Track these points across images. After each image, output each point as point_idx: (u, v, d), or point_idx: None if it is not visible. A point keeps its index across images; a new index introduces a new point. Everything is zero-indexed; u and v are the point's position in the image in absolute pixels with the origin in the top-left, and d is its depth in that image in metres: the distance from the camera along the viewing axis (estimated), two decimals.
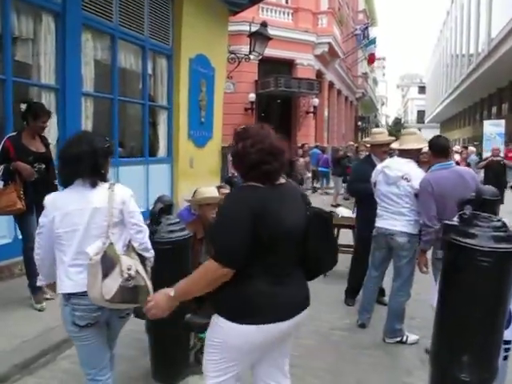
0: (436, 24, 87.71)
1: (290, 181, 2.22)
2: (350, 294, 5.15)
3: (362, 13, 36.91)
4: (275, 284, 2.00)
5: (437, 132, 67.51)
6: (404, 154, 4.21)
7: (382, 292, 5.10)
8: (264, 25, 11.81)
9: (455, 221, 2.58)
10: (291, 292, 2.05)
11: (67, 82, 5.88)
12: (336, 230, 6.30)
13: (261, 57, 12.44)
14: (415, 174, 4.00)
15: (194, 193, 3.89)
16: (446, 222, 2.63)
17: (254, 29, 12.07)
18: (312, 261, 2.17)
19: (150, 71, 8.06)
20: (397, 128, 60.26)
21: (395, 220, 4.10)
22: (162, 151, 8.53)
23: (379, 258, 4.36)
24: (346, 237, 6.60)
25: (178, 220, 3.27)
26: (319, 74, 21.55)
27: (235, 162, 2.08)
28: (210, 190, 3.84)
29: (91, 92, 6.55)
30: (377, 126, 60.48)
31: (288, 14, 19.35)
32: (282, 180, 2.10)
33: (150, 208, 3.37)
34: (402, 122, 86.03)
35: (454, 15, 48.46)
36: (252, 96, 17.62)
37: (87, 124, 6.37)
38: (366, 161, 5.06)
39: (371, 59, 30.03)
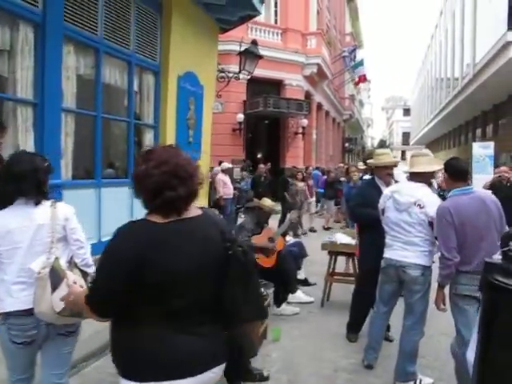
0: (421, 48, 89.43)
1: (208, 212, 1.98)
2: (353, 329, 4.72)
3: (349, 35, 37.27)
4: (177, 333, 1.73)
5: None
6: (415, 177, 3.85)
7: (386, 327, 4.70)
8: (254, 43, 11.56)
9: (497, 258, 2.18)
10: (196, 344, 1.75)
11: (46, 97, 5.43)
12: (333, 257, 5.90)
13: (251, 76, 12.17)
14: (429, 199, 3.64)
15: None
16: (487, 259, 2.23)
17: (243, 48, 11.80)
18: (227, 310, 1.83)
19: (136, 88, 7.66)
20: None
21: (407, 251, 3.71)
22: None
23: (388, 292, 3.96)
24: (343, 264, 6.21)
25: None
26: (308, 95, 21.44)
27: (136, 187, 1.83)
28: None
29: (72, 108, 6.11)
30: (363, 148, 60.87)
31: (277, 35, 19.25)
32: (196, 212, 1.86)
33: None
34: (387, 143, 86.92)
35: (438, 39, 49.28)
36: (240, 116, 17.35)
37: (67, 141, 5.92)
38: (369, 184, 4.70)
39: (360, 80, 30.10)
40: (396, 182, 4.80)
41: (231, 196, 11.97)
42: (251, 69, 11.46)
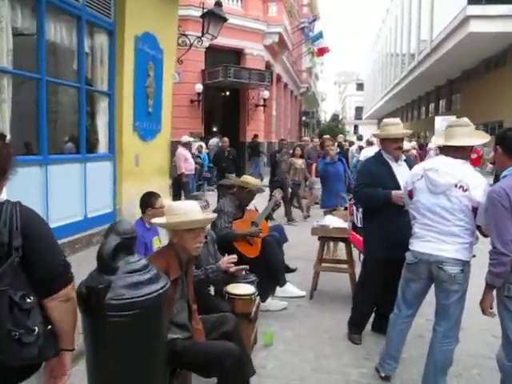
0: (374, 22, 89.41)
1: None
2: (356, 328, 4.08)
3: (307, 6, 36.33)
4: None
5: (374, 128, 68.98)
6: (452, 152, 3.10)
7: None
8: (219, 4, 10.54)
9: None
10: None
11: None
12: (324, 243, 5.23)
13: (211, 42, 11.15)
14: (475, 180, 2.96)
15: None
16: None
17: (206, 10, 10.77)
18: None
19: (87, 48, 6.59)
20: (334, 124, 60.73)
21: (444, 243, 3.04)
22: (102, 146, 7.08)
23: (415, 293, 3.29)
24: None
25: (143, 262, 2.02)
26: (268, 66, 20.54)
27: None
28: (189, 205, 2.61)
29: (8, 68, 5.04)
30: (318, 122, 60.67)
31: (237, 0, 18.13)
32: None
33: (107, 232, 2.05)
34: (340, 118, 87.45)
35: (393, 14, 49.20)
36: (199, 87, 16.31)
37: (3, 110, 4.86)
38: (376, 159, 4.00)
39: (321, 52, 29.35)
40: (406, 158, 4.14)
41: (193, 172, 11.10)
42: (215, 32, 10.46)
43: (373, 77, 69.56)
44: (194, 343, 2.56)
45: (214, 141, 15.97)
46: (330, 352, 3.84)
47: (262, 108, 19.04)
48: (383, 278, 3.88)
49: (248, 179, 4.69)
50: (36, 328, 1.59)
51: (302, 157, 10.77)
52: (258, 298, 3.75)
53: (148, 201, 4.22)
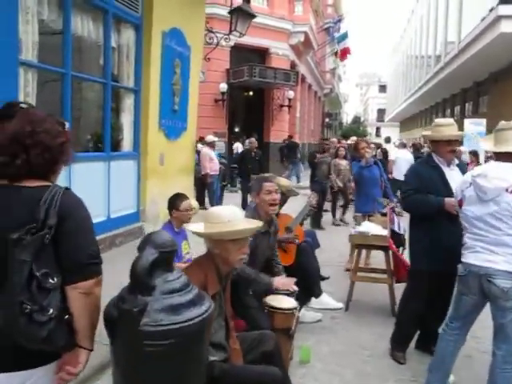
0: (397, 23, 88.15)
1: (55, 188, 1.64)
2: (399, 346, 3.73)
3: (331, 7, 35.91)
4: None
5: (397, 131, 68.05)
6: (504, 158, 2.88)
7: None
8: (247, 0, 10.26)
9: None
10: None
11: None
12: (359, 250, 4.90)
13: (239, 39, 10.83)
14: None
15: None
16: None
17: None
18: None
19: (113, 43, 6.39)
20: (356, 126, 59.99)
21: (494, 254, 2.78)
22: (126, 144, 6.88)
23: (467, 307, 3.00)
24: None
25: (184, 280, 1.73)
26: (292, 66, 20.21)
27: None
28: (233, 212, 2.33)
29: (33, 62, 4.85)
30: (340, 124, 60.03)
31: None
32: (31, 183, 1.63)
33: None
34: (362, 120, 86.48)
35: (419, 14, 48.33)
36: (223, 86, 16.06)
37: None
38: (427, 163, 3.66)
39: (343, 54, 28.91)
40: (460, 162, 3.80)
41: (217, 172, 10.84)
42: (243, 29, 10.17)
43: (396, 78, 68.54)
44: (233, 367, 2.28)
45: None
46: (372, 371, 3.52)
47: (286, 108, 18.71)
48: (431, 293, 3.55)
49: (281, 181, 4.38)
50: (51, 310, 1.52)
51: (345, 158, 9.98)
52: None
53: (173, 202, 3.98)
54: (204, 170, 10.46)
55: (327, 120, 40.00)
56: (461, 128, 19.84)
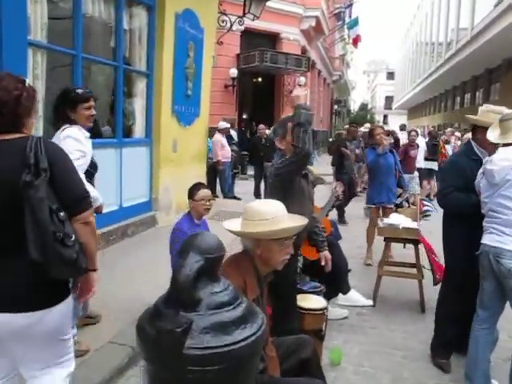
0: (406, 9, 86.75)
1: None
2: (443, 352, 3.45)
3: None
4: None
5: (404, 118, 67.27)
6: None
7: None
8: None
9: None
10: None
11: (3, 25, 3.92)
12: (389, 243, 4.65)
13: (257, 19, 10.44)
14: None
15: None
16: None
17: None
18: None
19: (125, 25, 6.11)
20: (362, 114, 59.30)
21: (504, 235, 2.82)
22: (139, 130, 6.64)
23: (488, 293, 2.96)
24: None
25: (232, 292, 1.47)
26: (303, 51, 19.80)
27: None
28: (276, 208, 2.07)
29: (43, 43, 4.60)
30: (348, 111, 59.43)
31: None
32: (7, 136, 1.81)
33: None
34: (370, 107, 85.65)
35: (430, 0, 47.45)
36: (233, 71, 15.71)
37: (36, 86, 4.38)
38: (466, 155, 3.35)
39: (355, 40, 28.34)
40: None
41: (229, 159, 10.57)
42: (257, 12, 9.81)
43: (404, 66, 67.66)
44: (275, 380, 2.04)
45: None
46: (409, 376, 3.28)
47: None
48: (468, 292, 3.30)
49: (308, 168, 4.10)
50: (72, 236, 1.77)
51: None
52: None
53: (190, 192, 3.72)
54: (216, 157, 10.19)
55: (336, 107, 39.49)
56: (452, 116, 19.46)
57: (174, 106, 7.09)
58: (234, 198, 10.53)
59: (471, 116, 3.40)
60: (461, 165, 3.31)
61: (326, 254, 3.27)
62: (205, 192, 3.68)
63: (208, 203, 3.68)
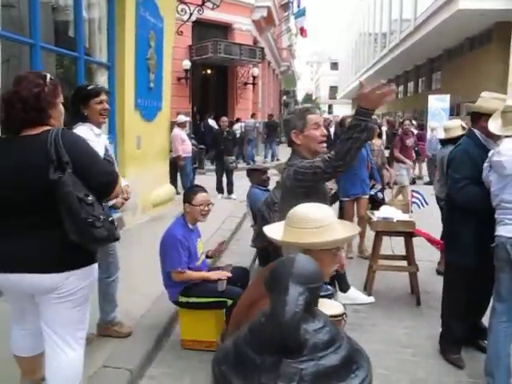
0: (344, 1, 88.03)
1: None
2: (453, 347, 3.36)
3: None
4: None
5: (349, 108, 68.52)
6: None
7: (482, 332, 3.47)
8: None
9: None
10: (8, 246, 2.04)
11: None
12: (381, 237, 4.54)
13: (216, 8, 10.07)
14: None
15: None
16: None
17: None
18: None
19: (84, 13, 5.66)
20: (311, 104, 59.71)
21: None
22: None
23: (506, 285, 2.87)
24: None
25: (332, 328, 1.22)
26: (255, 42, 19.55)
27: None
28: (325, 213, 1.83)
29: None
30: (296, 102, 59.81)
31: None
32: (34, 131, 2.04)
33: None
34: (314, 97, 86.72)
35: None
36: (186, 63, 15.24)
37: None
38: (474, 143, 3.21)
39: (303, 30, 28.37)
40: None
41: (190, 154, 10.20)
42: (217, 0, 9.47)
43: (348, 56, 68.93)
44: None
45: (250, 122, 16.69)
46: (426, 376, 3.16)
47: (250, 86, 18.12)
48: (473, 287, 3.24)
49: None
50: (101, 216, 2.01)
51: (380, 136, 8.20)
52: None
53: (187, 196, 3.45)
54: (176, 152, 9.79)
55: (284, 98, 39.57)
56: (411, 103, 20.27)
57: (138, 99, 6.69)
58: None
59: (475, 104, 3.29)
60: (472, 155, 3.16)
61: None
62: (204, 196, 3.44)
63: (207, 208, 3.42)
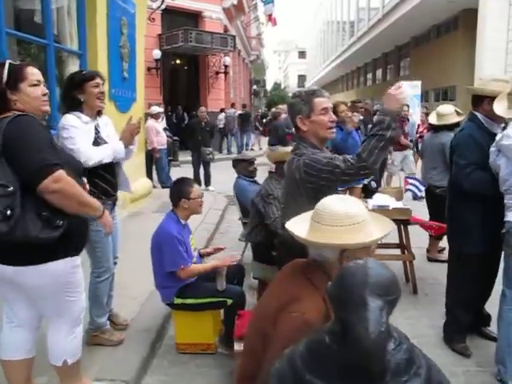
0: None
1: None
2: (458, 335, 3.28)
3: None
4: None
5: None
6: None
7: (485, 319, 3.45)
8: None
9: None
10: None
11: None
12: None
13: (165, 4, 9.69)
14: None
15: None
16: None
17: None
18: None
19: None
20: (279, 93, 59.44)
21: None
22: None
23: None
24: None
25: (411, 347, 1.05)
26: (225, 31, 19.19)
27: None
28: (360, 208, 1.65)
29: None
30: (265, 91, 59.51)
31: None
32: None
33: None
34: (283, 86, 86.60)
35: None
36: (157, 53, 14.81)
37: None
38: (479, 128, 3.08)
39: (271, 18, 28.02)
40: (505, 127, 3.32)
41: (165, 146, 9.89)
42: None
43: (316, 44, 69.05)
44: None
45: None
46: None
47: (222, 76, 17.79)
48: (478, 274, 3.15)
49: (288, 150, 3.71)
50: (8, 211, 1.88)
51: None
52: None
53: (182, 190, 3.21)
54: (151, 144, 9.46)
55: (255, 87, 39.29)
56: (381, 91, 20.26)
57: (112, 89, 6.35)
58: None
59: (477, 86, 3.18)
60: (477, 139, 3.03)
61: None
62: (197, 188, 3.27)
63: (202, 199, 3.25)
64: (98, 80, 2.97)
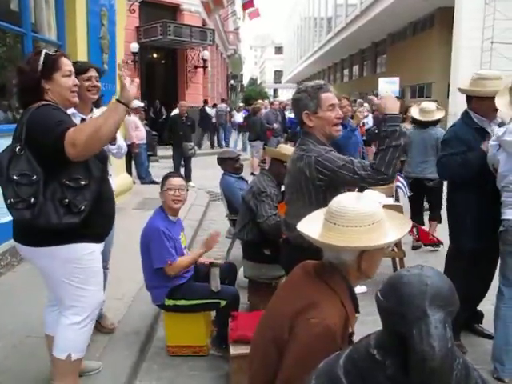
0: None
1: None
2: (454, 334, 3.25)
3: None
4: None
5: (293, 91, 68.80)
6: None
7: (477, 317, 3.47)
8: None
9: None
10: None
11: None
12: None
13: None
14: None
15: None
16: None
17: None
18: None
19: None
20: (255, 88, 59.31)
21: None
22: None
23: None
24: None
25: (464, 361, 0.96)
26: (204, 24, 18.94)
27: None
28: (377, 206, 1.57)
29: None
30: (242, 86, 59.30)
31: None
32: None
33: None
34: (260, 82, 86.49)
35: None
36: (135, 46, 14.50)
37: None
38: (467, 125, 3.09)
39: (248, 11, 27.81)
40: (501, 122, 3.30)
41: (144, 141, 9.69)
42: None
43: (293, 40, 69.06)
44: None
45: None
46: None
47: (201, 70, 17.54)
48: (473, 271, 3.13)
49: (287, 149, 3.63)
50: (32, 200, 1.97)
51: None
52: None
53: (161, 183, 3.12)
54: (130, 139, 9.22)
55: (232, 82, 39.06)
56: (357, 87, 20.40)
57: None
58: (153, 182, 9.69)
59: (464, 87, 3.15)
60: (461, 134, 3.09)
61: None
62: (175, 181, 3.09)
63: (178, 193, 3.05)
64: (92, 73, 2.88)
